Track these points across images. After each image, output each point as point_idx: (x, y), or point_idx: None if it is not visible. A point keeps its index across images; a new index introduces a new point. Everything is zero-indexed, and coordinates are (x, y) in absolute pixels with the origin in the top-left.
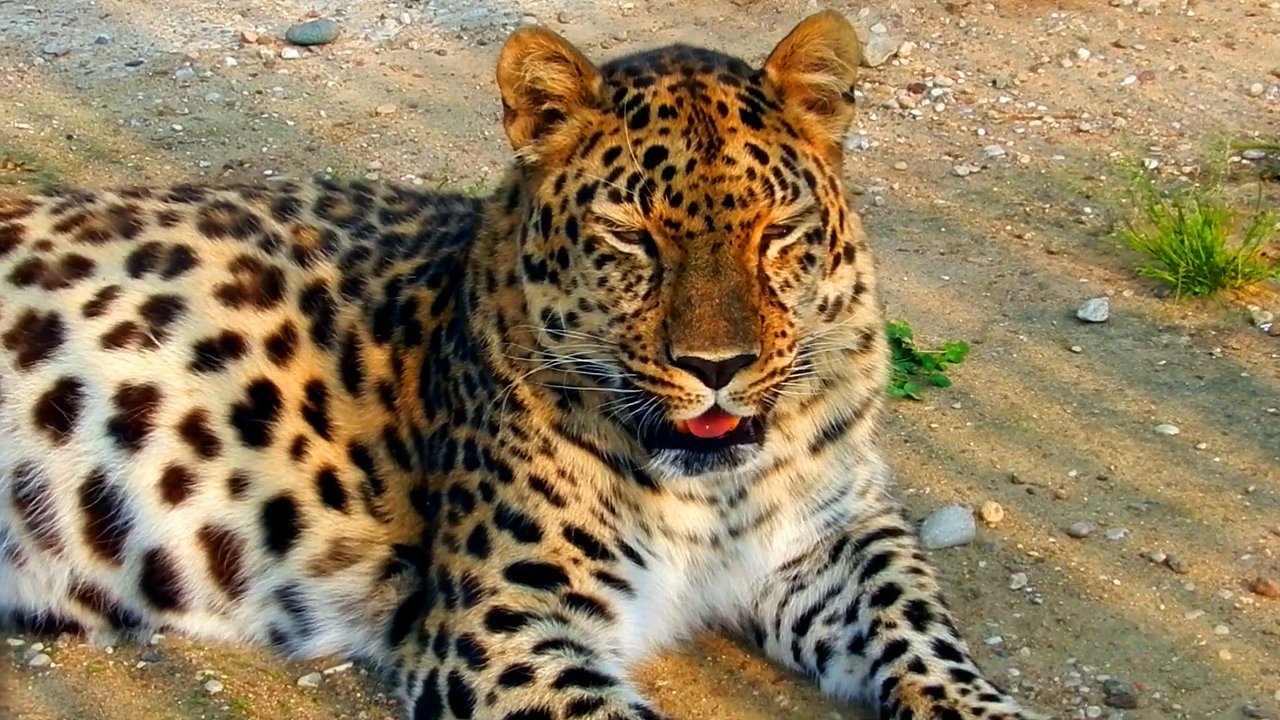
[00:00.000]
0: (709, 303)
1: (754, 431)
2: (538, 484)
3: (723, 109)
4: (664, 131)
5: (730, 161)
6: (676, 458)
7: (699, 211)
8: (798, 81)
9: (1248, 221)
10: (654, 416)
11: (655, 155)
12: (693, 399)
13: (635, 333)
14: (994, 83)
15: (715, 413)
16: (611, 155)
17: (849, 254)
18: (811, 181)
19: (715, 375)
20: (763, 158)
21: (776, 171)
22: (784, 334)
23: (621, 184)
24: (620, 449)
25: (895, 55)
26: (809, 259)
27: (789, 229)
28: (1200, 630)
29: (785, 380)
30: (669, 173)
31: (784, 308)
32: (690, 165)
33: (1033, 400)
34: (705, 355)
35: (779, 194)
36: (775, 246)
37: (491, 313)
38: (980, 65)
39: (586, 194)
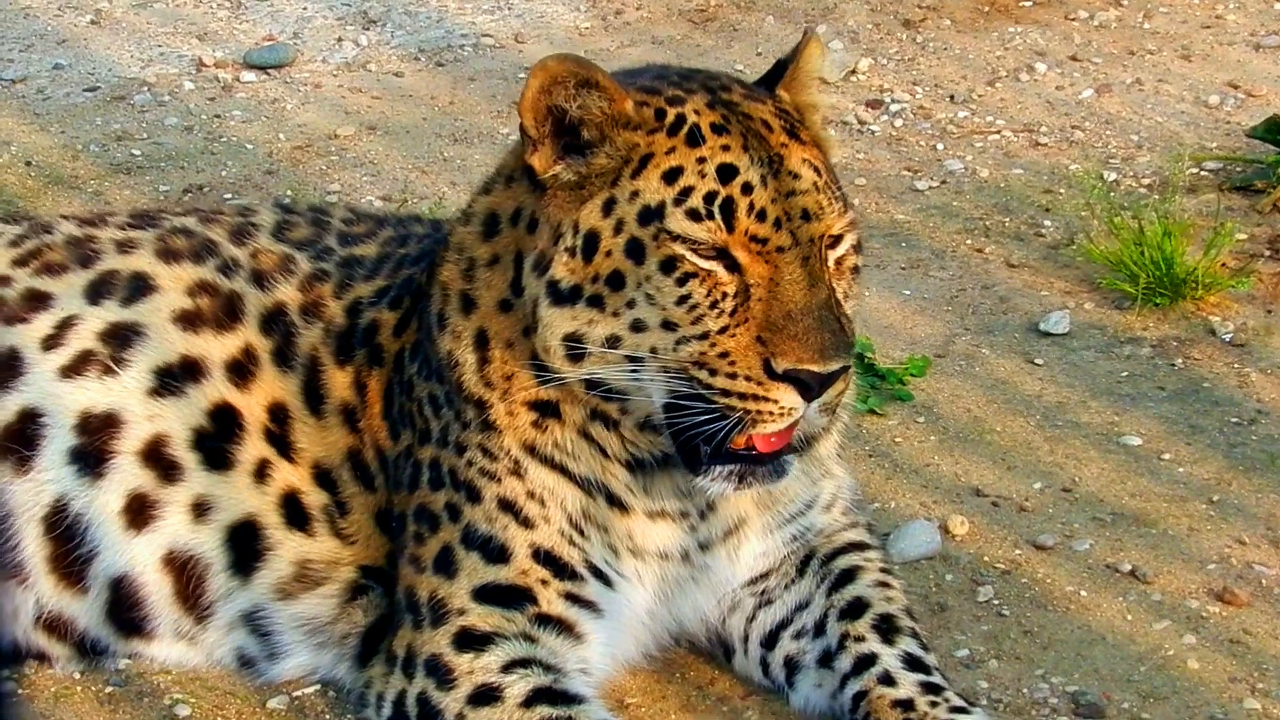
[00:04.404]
0: (810, 316)
1: (796, 442)
2: (507, 505)
3: (767, 125)
4: (725, 148)
5: (795, 176)
6: (730, 473)
7: (784, 226)
8: (809, 101)
9: (1207, 233)
10: (714, 431)
11: (727, 172)
12: (785, 412)
13: (721, 349)
14: (952, 97)
15: (789, 426)
16: (674, 175)
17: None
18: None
19: (819, 386)
20: (817, 171)
21: (829, 185)
22: (854, 344)
23: (698, 202)
24: (593, 470)
25: (853, 71)
26: (856, 270)
27: (839, 239)
28: (1167, 640)
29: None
30: (747, 188)
31: (849, 318)
32: (764, 180)
33: (996, 413)
34: (815, 368)
35: (838, 206)
36: (831, 258)
37: (466, 333)
38: (938, 80)
39: (651, 214)
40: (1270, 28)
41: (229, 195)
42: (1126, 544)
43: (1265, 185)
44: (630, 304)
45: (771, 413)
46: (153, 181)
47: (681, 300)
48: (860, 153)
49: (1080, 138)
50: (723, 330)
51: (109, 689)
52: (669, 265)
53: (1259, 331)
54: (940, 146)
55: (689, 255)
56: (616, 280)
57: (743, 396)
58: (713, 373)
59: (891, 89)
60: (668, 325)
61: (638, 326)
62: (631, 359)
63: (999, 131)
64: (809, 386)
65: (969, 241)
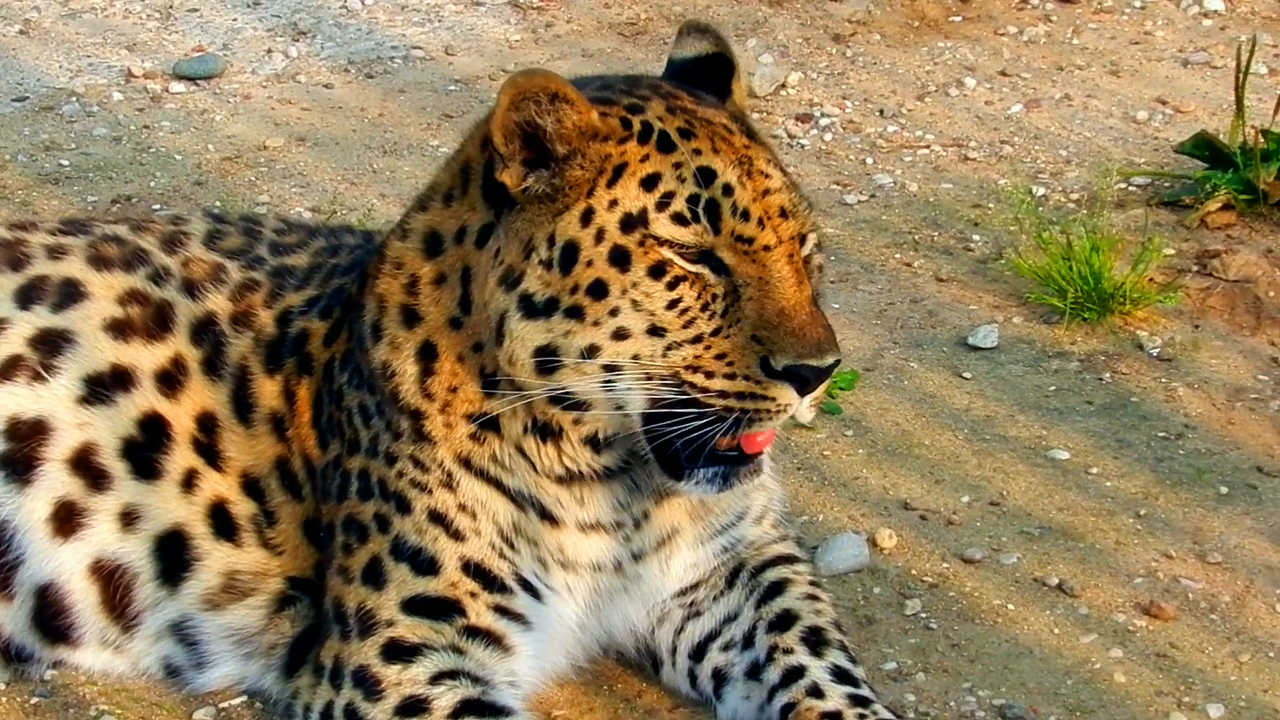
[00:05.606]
0: (803, 311)
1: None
2: (437, 517)
3: (727, 129)
4: (697, 152)
5: (767, 175)
6: (715, 475)
7: (766, 225)
8: (742, 102)
9: (1135, 248)
10: (701, 435)
11: (706, 175)
12: (782, 409)
13: (717, 351)
14: (881, 112)
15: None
16: (652, 181)
17: None
18: None
19: (816, 381)
20: (782, 171)
21: (795, 184)
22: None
23: (682, 206)
24: (526, 484)
25: (783, 85)
26: (820, 269)
27: (804, 238)
28: (1094, 653)
29: None
30: (728, 190)
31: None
32: (741, 181)
33: (924, 427)
34: (814, 362)
35: (805, 204)
36: (798, 257)
37: (407, 345)
38: (868, 94)
39: (634, 221)
40: (1198, 44)
41: (157, 206)
42: (1054, 557)
43: (1193, 201)
44: (614, 312)
45: (770, 410)
46: (81, 192)
47: (673, 304)
48: (790, 166)
49: (1009, 152)
50: (716, 332)
51: (34, 700)
52: (658, 270)
53: (1186, 346)
54: (869, 161)
55: (677, 259)
56: (599, 289)
57: (741, 396)
58: (709, 375)
59: (821, 103)
60: (655, 331)
61: (620, 334)
62: (609, 368)
63: (928, 146)
64: (806, 381)
65: (898, 255)
